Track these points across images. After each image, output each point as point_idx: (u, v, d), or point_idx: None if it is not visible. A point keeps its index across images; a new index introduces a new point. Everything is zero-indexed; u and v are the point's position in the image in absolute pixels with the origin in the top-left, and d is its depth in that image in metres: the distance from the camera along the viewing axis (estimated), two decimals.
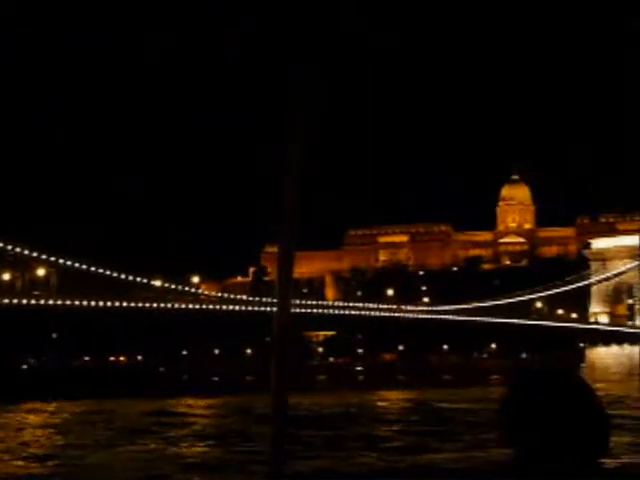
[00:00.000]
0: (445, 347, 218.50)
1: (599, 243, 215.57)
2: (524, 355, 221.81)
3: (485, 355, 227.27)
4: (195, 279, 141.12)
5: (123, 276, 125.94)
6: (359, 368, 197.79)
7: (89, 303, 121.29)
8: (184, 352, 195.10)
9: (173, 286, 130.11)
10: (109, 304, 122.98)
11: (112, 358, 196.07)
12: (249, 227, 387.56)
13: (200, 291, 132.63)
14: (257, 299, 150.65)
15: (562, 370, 3.65)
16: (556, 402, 3.51)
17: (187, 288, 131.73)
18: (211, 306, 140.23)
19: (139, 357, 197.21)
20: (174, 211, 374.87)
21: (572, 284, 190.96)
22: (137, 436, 50.76)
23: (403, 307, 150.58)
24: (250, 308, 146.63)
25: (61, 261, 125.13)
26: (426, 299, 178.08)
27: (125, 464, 39.04)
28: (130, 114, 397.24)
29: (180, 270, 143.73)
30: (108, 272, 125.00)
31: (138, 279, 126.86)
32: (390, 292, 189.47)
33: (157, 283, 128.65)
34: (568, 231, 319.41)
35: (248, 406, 73.05)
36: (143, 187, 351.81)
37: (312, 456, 38.41)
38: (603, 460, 3.51)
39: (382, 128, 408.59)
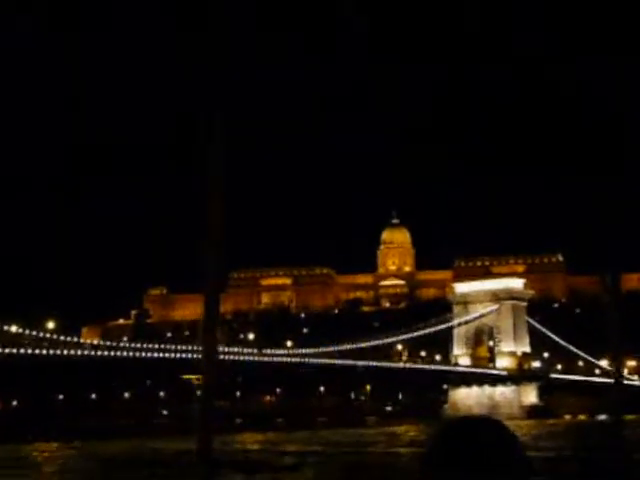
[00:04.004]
0: (322, 389, 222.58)
1: (461, 287, 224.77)
2: (400, 396, 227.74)
3: (363, 397, 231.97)
4: (50, 324, 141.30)
5: None
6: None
7: None
8: (60, 397, 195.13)
9: (28, 331, 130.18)
10: None
11: None
12: (132, 269, 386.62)
13: (55, 336, 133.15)
14: (134, 345, 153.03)
15: (488, 419, 3.97)
16: (485, 451, 3.75)
17: (42, 334, 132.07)
18: (86, 352, 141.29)
19: (14, 403, 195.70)
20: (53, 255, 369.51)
21: (435, 327, 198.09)
22: None
23: (264, 351, 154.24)
24: (127, 354, 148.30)
25: None
26: (289, 343, 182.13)
27: None
28: None
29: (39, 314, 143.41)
30: None
31: None
32: (251, 336, 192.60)
33: (12, 329, 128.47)
34: (446, 274, 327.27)
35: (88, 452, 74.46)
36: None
37: None
38: None
39: (266, 171, 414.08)
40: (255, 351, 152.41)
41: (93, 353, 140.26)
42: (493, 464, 3.77)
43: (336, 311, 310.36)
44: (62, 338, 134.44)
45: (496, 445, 3.83)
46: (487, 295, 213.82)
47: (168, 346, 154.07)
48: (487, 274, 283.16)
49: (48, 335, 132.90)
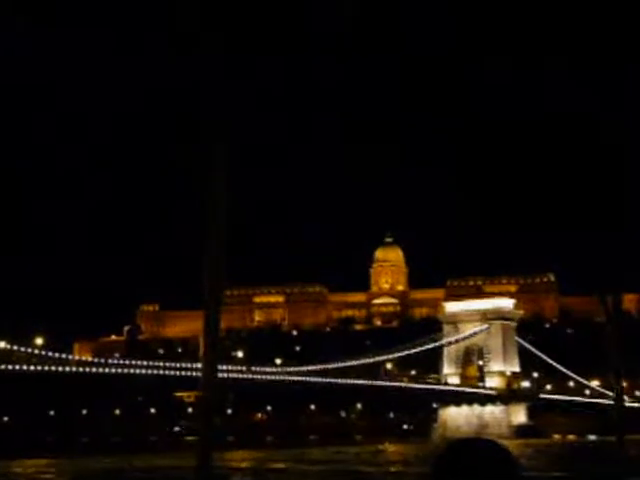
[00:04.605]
0: (313, 407, 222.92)
1: (451, 307, 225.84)
2: (391, 415, 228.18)
3: (353, 415, 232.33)
4: (39, 340, 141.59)
5: None
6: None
7: None
8: (51, 412, 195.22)
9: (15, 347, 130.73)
10: None
11: None
12: (125, 285, 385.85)
13: (43, 352, 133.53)
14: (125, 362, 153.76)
15: (488, 440, 4.41)
16: (485, 465, 4.15)
17: (30, 350, 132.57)
18: (74, 368, 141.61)
19: (5, 418, 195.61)
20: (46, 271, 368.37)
21: (425, 346, 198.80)
22: None
23: (252, 369, 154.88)
24: (116, 370, 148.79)
25: None
26: (279, 361, 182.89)
27: None
28: None
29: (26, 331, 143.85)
30: None
31: None
32: (240, 354, 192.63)
33: (1, 345, 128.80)
34: (438, 293, 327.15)
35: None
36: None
37: None
38: None
39: (259, 188, 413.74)
40: (244, 369, 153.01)
41: (81, 369, 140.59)
42: (492, 477, 4.31)
43: (328, 329, 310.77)
44: (50, 354, 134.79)
45: (494, 461, 4.36)
46: (477, 315, 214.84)
47: (159, 363, 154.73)
48: (479, 294, 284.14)
49: (37, 351, 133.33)
